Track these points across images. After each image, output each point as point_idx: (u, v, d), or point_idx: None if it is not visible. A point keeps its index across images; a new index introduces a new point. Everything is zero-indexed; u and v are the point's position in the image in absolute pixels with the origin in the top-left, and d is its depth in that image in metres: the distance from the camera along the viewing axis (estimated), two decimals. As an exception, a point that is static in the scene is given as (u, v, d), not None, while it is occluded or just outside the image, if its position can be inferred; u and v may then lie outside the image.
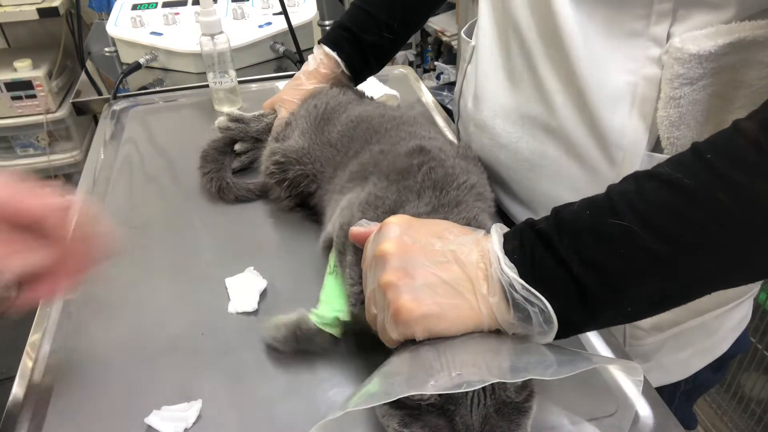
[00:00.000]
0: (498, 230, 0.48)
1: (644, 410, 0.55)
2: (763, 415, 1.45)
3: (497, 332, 0.46)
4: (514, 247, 0.45)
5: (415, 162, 0.61)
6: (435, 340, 0.46)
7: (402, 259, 0.47)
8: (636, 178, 0.44)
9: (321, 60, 0.86)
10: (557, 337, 0.45)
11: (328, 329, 0.57)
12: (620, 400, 0.56)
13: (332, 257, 0.61)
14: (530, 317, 0.44)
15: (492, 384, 0.43)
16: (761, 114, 0.42)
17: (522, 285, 0.43)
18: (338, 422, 0.41)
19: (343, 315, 0.57)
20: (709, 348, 0.75)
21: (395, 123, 0.72)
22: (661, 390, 0.73)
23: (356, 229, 0.55)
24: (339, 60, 0.85)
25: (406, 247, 0.47)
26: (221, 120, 0.88)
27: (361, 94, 0.87)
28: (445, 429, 0.43)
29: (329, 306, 0.58)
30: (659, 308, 0.46)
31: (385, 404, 0.45)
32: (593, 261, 0.42)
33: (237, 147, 0.89)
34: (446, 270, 0.46)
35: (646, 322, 0.68)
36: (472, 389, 0.41)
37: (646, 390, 0.57)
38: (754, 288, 0.74)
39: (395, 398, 0.41)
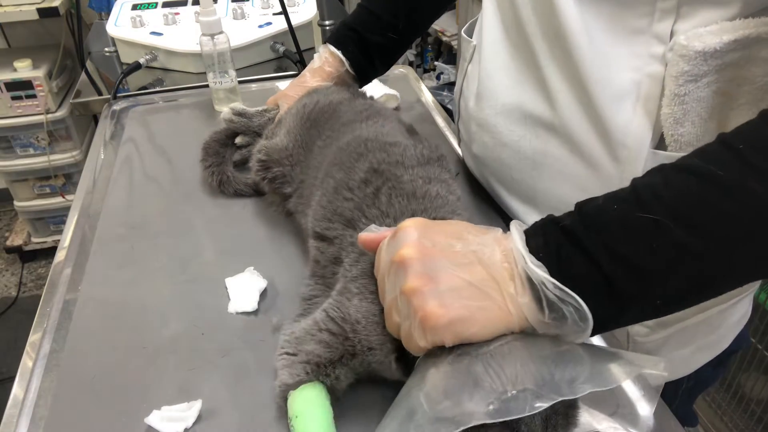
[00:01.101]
0: (518, 227, 0.46)
1: (644, 410, 0.55)
2: (763, 415, 1.45)
3: (526, 333, 0.45)
4: (538, 245, 0.44)
5: (369, 190, 0.60)
6: (470, 347, 0.44)
7: (424, 264, 0.45)
8: (662, 170, 0.44)
9: (326, 58, 0.87)
10: None
11: None
12: (620, 400, 0.56)
13: (293, 403, 0.51)
14: (564, 317, 0.42)
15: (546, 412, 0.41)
16: None
17: (554, 284, 0.42)
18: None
19: None
20: (712, 344, 0.76)
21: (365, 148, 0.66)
22: (663, 387, 0.73)
23: (367, 235, 0.52)
24: (343, 59, 0.85)
25: (426, 251, 0.46)
26: (226, 112, 0.89)
27: (358, 93, 0.85)
28: None
29: None
30: (688, 302, 0.45)
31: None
32: (623, 256, 0.42)
33: (238, 140, 0.90)
34: (470, 272, 0.45)
35: (650, 320, 0.68)
36: (536, 411, 0.40)
37: (646, 389, 0.57)
38: (755, 285, 0.74)
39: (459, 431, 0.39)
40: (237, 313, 0.65)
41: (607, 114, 0.59)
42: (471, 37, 0.80)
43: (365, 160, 0.63)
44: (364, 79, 0.89)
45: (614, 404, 0.55)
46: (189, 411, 0.54)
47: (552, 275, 0.43)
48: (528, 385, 0.40)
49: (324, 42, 0.89)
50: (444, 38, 2.56)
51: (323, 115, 0.76)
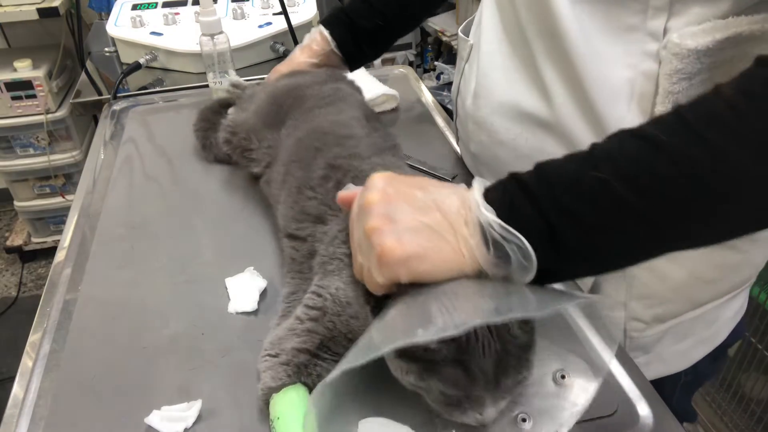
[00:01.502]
0: (480, 181, 0.49)
1: (644, 410, 0.55)
2: (763, 415, 1.45)
3: (479, 277, 0.47)
4: (495, 197, 0.47)
5: (330, 185, 0.63)
6: (425, 287, 0.46)
7: (386, 207, 0.48)
8: (618, 134, 0.46)
9: (314, 38, 0.90)
10: (532, 283, 0.46)
11: None
12: (620, 400, 0.56)
13: (275, 405, 0.52)
14: (509, 256, 0.45)
15: (497, 326, 0.44)
16: (742, 80, 0.43)
17: (499, 224, 0.45)
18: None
19: None
20: (708, 338, 0.76)
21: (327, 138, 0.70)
22: (662, 382, 0.74)
23: (343, 193, 0.56)
24: (330, 39, 0.88)
25: (389, 197, 0.49)
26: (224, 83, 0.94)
27: (333, 77, 0.86)
28: (462, 378, 0.45)
29: None
30: (629, 260, 0.48)
31: (400, 359, 0.47)
32: (568, 209, 0.44)
33: (230, 111, 0.92)
34: (428, 216, 0.47)
35: (647, 314, 0.69)
36: (471, 329, 0.43)
37: (646, 389, 0.57)
38: (752, 279, 0.75)
39: (396, 347, 0.42)
40: (237, 313, 0.65)
41: (602, 112, 0.60)
42: (468, 37, 0.80)
43: (322, 156, 0.66)
44: (352, 61, 0.92)
45: (614, 404, 0.55)
46: (189, 411, 0.54)
47: (502, 219, 0.45)
48: (471, 313, 0.43)
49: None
50: (444, 38, 2.56)
51: (289, 98, 0.79)
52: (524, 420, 0.51)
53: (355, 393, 0.51)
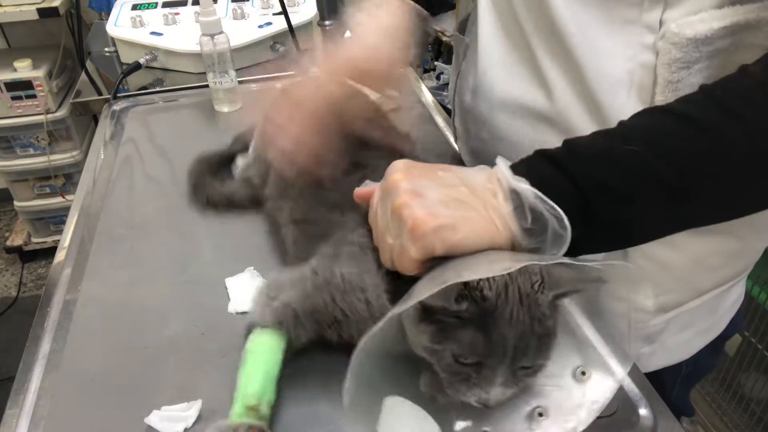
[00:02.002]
0: (503, 159, 0.50)
1: (644, 410, 0.55)
2: (763, 415, 1.45)
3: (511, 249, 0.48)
4: (522, 170, 0.47)
5: (353, 178, 0.61)
6: (452, 262, 0.46)
7: (411, 183, 0.48)
8: (647, 111, 0.47)
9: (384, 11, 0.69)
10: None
11: (249, 421, 0.51)
12: (620, 400, 0.56)
13: (251, 340, 0.55)
14: (545, 224, 0.45)
15: (528, 301, 0.44)
16: (767, 60, 0.45)
17: (535, 193, 0.45)
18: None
19: (254, 399, 0.52)
20: (709, 327, 0.77)
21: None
22: (662, 376, 0.74)
23: (361, 190, 0.56)
24: None
25: (413, 176, 0.49)
26: None
27: None
28: (480, 343, 0.44)
29: (241, 396, 0.52)
30: (659, 232, 0.49)
31: (421, 322, 0.46)
32: (601, 181, 0.45)
33: (239, 161, 0.89)
34: (455, 190, 0.48)
35: (650, 304, 0.69)
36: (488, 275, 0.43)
37: (646, 389, 0.57)
38: (749, 268, 0.76)
39: (411, 303, 0.42)
40: (237, 313, 0.65)
41: (602, 104, 0.60)
42: (463, 35, 0.81)
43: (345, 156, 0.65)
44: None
45: (614, 404, 0.55)
46: (189, 411, 0.54)
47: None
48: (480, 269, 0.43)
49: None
50: (444, 38, 2.56)
51: None
52: (541, 415, 0.50)
53: (384, 372, 0.51)
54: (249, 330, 0.56)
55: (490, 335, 0.44)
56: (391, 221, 0.49)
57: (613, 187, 0.45)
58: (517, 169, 0.48)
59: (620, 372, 0.51)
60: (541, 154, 0.48)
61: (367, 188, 0.55)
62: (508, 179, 0.47)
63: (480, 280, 0.44)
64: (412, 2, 0.68)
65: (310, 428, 0.53)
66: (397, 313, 0.43)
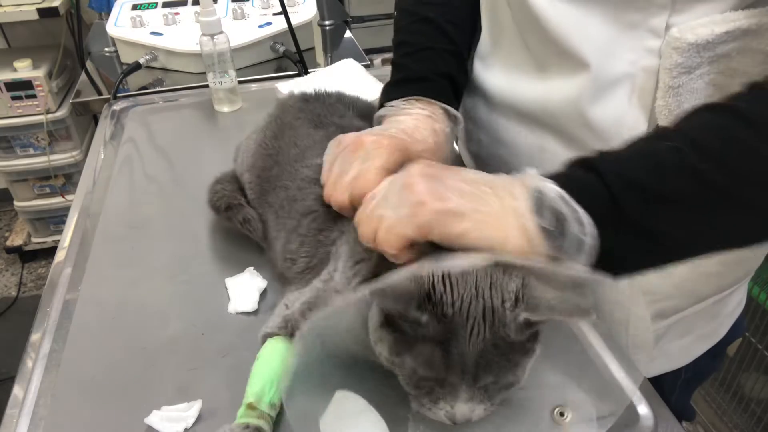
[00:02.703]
0: (531, 168, 0.47)
1: (644, 410, 0.55)
2: (763, 415, 1.45)
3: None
4: (551, 174, 0.44)
5: None
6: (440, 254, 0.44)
7: (429, 167, 0.46)
8: (692, 110, 0.44)
9: (422, 125, 0.62)
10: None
11: (247, 420, 0.51)
12: (620, 401, 0.56)
13: (264, 346, 0.57)
14: (565, 226, 0.41)
15: (492, 319, 0.41)
16: None
17: (557, 191, 0.41)
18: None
19: (253, 396, 0.52)
20: (709, 333, 0.77)
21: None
22: (662, 380, 0.74)
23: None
24: (448, 108, 0.65)
25: (432, 167, 0.47)
26: None
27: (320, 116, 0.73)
28: (439, 360, 0.42)
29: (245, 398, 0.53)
30: (692, 242, 0.43)
31: (382, 328, 0.44)
32: (633, 178, 0.41)
33: None
34: (475, 186, 0.45)
35: (651, 310, 0.69)
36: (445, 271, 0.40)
37: (646, 389, 0.57)
38: (750, 274, 0.76)
39: (377, 286, 0.40)
40: (237, 313, 0.65)
41: (602, 108, 0.60)
42: None
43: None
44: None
45: (614, 405, 0.55)
46: (189, 411, 0.54)
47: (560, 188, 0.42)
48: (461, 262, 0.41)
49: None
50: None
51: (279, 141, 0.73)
52: None
53: (341, 368, 0.50)
54: (263, 341, 0.57)
55: (449, 352, 0.41)
56: (397, 193, 0.46)
57: (647, 186, 0.40)
58: (548, 173, 0.45)
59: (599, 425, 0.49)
60: (575, 160, 0.45)
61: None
62: (532, 177, 0.44)
63: (443, 292, 0.41)
64: (450, 109, 0.64)
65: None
66: (356, 299, 0.41)
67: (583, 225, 0.41)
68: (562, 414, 0.50)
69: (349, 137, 0.57)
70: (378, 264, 0.49)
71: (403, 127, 0.59)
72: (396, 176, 0.49)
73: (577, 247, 0.41)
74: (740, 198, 0.40)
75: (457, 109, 0.66)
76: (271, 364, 0.54)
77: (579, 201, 0.41)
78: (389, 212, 0.46)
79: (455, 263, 0.41)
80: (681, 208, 0.41)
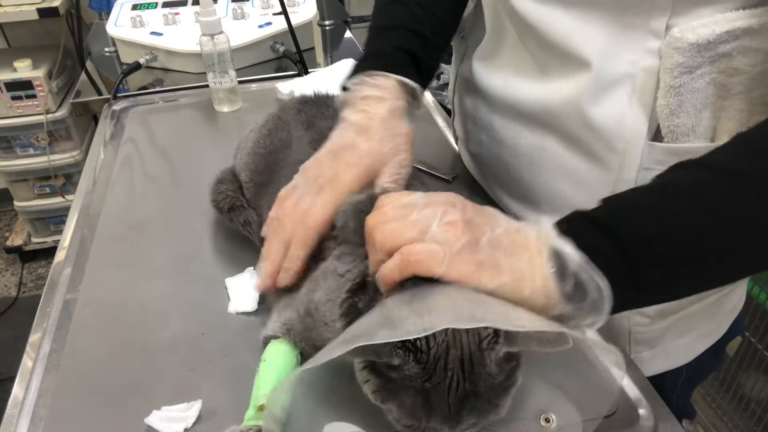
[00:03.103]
0: (547, 217, 0.48)
1: (644, 410, 0.55)
2: (763, 415, 1.45)
3: (540, 313, 0.45)
4: (563, 230, 0.45)
5: None
6: (422, 289, 0.44)
7: (471, 213, 0.46)
8: (685, 166, 0.46)
9: (378, 96, 0.64)
10: None
11: (257, 423, 0.52)
12: (620, 400, 0.56)
13: (267, 349, 0.57)
14: (585, 292, 0.43)
15: (471, 366, 0.41)
16: None
17: (579, 258, 0.43)
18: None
19: (264, 398, 0.52)
20: (710, 332, 0.77)
21: None
22: (663, 380, 0.74)
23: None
24: (408, 82, 0.66)
25: (470, 211, 0.47)
26: None
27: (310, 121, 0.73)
28: (420, 409, 0.42)
29: (253, 399, 0.54)
30: (700, 290, 0.49)
31: (365, 370, 0.44)
32: (646, 242, 0.43)
33: None
34: (510, 236, 0.46)
35: (651, 310, 0.69)
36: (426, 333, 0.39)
37: (646, 389, 0.57)
38: None
39: (349, 348, 0.39)
40: (237, 313, 0.65)
41: (603, 108, 0.60)
42: (463, 37, 0.80)
43: None
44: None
45: (614, 404, 0.55)
46: (189, 411, 0.54)
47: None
48: (427, 317, 0.40)
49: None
50: (444, 38, 2.56)
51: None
52: None
53: (329, 393, 0.50)
54: (264, 344, 0.57)
55: (430, 401, 0.42)
56: (437, 230, 0.45)
57: (660, 250, 0.43)
58: (561, 226, 0.46)
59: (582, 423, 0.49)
60: (581, 213, 0.46)
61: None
62: (552, 240, 0.45)
63: (418, 341, 0.41)
64: (407, 81, 0.64)
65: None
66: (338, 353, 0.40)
67: (601, 292, 0.43)
68: (548, 420, 0.51)
69: (312, 169, 0.60)
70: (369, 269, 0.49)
71: (353, 137, 0.60)
72: (429, 205, 0.47)
73: (593, 308, 0.44)
74: (745, 252, 0.44)
75: (420, 84, 0.66)
76: (277, 366, 0.54)
77: (598, 267, 0.43)
78: (425, 239, 0.45)
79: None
80: (692, 267, 0.44)
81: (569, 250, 0.44)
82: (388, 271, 0.46)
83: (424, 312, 0.40)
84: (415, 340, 0.41)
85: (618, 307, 0.44)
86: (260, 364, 0.55)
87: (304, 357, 0.56)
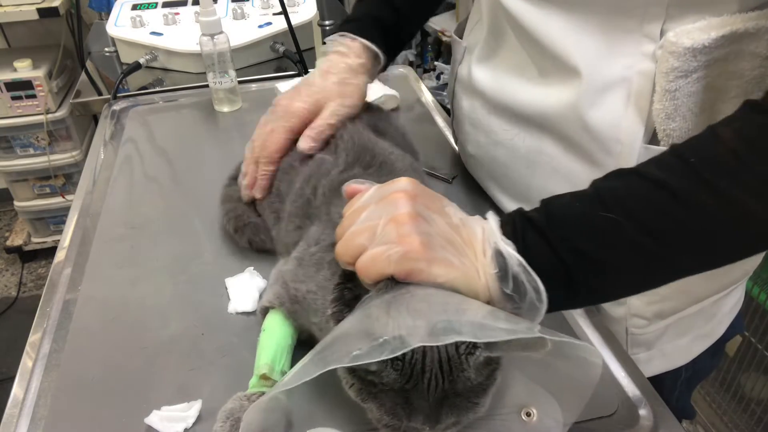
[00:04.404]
0: (494, 215, 0.50)
1: (644, 410, 0.55)
2: (763, 415, 1.45)
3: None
4: (507, 232, 0.48)
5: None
6: (402, 289, 0.44)
7: (419, 205, 0.47)
8: (622, 175, 0.48)
9: (343, 51, 0.74)
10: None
11: (261, 389, 0.54)
12: (620, 400, 0.56)
13: (266, 319, 0.59)
14: (525, 293, 0.45)
15: (449, 368, 0.42)
16: (736, 122, 0.45)
17: (519, 261, 0.45)
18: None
19: (266, 367, 0.54)
20: (708, 332, 0.77)
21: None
22: (662, 378, 0.74)
23: (354, 186, 0.53)
24: (370, 45, 0.74)
25: (421, 200, 0.48)
26: None
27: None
28: (401, 409, 0.43)
29: (256, 368, 0.56)
30: (633, 292, 0.51)
31: (346, 373, 0.45)
32: (581, 248, 0.45)
33: None
34: (456, 233, 0.48)
35: (648, 311, 0.69)
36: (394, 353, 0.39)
37: (646, 389, 0.57)
38: (748, 274, 0.76)
39: (316, 374, 0.39)
40: (237, 313, 0.65)
41: (599, 112, 0.60)
42: (462, 39, 0.80)
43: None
44: (390, 58, 0.80)
45: (614, 404, 0.55)
46: (189, 411, 0.54)
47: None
48: (403, 332, 0.40)
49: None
50: (444, 38, 2.56)
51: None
52: None
53: (311, 395, 0.50)
54: (263, 313, 0.60)
55: (410, 401, 0.43)
56: (383, 229, 0.46)
57: (592, 256, 0.45)
58: (505, 227, 0.48)
59: (564, 418, 0.49)
60: (523, 215, 0.48)
61: (359, 186, 0.53)
62: (497, 240, 0.47)
63: None
64: (369, 45, 0.73)
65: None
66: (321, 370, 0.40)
67: (539, 293, 0.45)
68: (528, 414, 0.51)
69: (278, 101, 0.72)
70: None
71: (315, 77, 0.72)
72: (381, 200, 0.48)
73: (531, 308, 0.46)
74: (672, 262, 0.46)
75: (384, 50, 0.74)
76: (277, 335, 0.57)
77: (535, 268, 0.45)
78: (373, 245, 0.46)
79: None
80: (622, 271, 0.46)
81: (511, 251, 0.46)
82: (361, 278, 0.47)
83: (400, 319, 0.41)
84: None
85: (554, 307, 0.46)
86: (261, 334, 0.58)
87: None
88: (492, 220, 0.49)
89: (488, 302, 0.46)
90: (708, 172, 0.44)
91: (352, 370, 0.44)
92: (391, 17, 0.76)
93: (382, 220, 0.47)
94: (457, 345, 0.42)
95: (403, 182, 0.49)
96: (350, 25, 0.75)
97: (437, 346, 0.42)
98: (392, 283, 0.45)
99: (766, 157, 0.43)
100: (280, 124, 0.70)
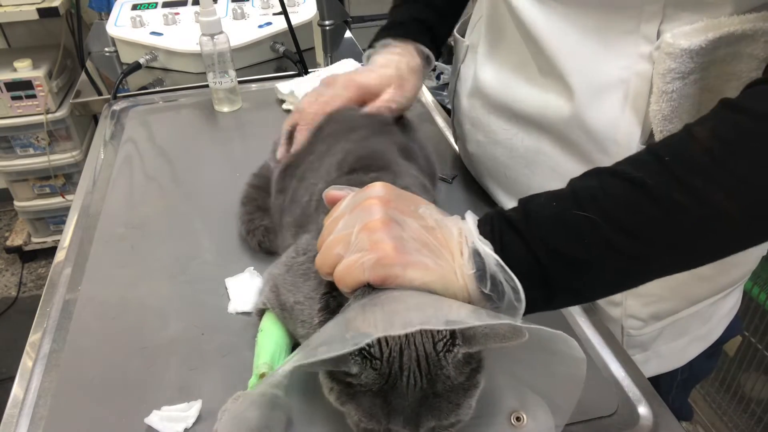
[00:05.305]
0: (472, 215, 0.50)
1: (644, 410, 0.55)
2: (763, 415, 1.45)
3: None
4: (485, 231, 0.47)
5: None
6: (382, 295, 0.44)
7: (392, 210, 0.47)
8: (598, 174, 0.47)
9: (397, 52, 0.76)
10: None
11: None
12: (620, 400, 0.56)
13: (263, 319, 0.59)
14: (503, 293, 0.45)
15: (428, 366, 0.42)
16: (711, 121, 0.45)
17: (496, 260, 0.45)
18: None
19: (265, 367, 0.54)
20: (704, 335, 0.77)
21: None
22: (658, 380, 0.74)
23: (335, 192, 0.53)
24: (423, 48, 0.78)
25: (393, 203, 0.48)
26: None
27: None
28: (380, 411, 0.42)
29: (255, 368, 0.56)
30: (610, 292, 0.51)
31: (325, 376, 0.45)
32: (557, 248, 0.45)
33: None
34: (431, 235, 0.47)
35: (644, 312, 0.69)
36: (362, 343, 0.40)
37: (646, 389, 0.57)
38: (746, 277, 0.75)
39: (289, 370, 0.40)
40: (237, 313, 0.65)
41: (597, 112, 0.60)
42: (464, 37, 0.81)
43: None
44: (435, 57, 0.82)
45: (614, 404, 0.55)
46: (189, 411, 0.54)
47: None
48: (371, 329, 0.40)
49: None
50: (444, 38, 2.56)
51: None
52: None
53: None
54: (259, 315, 0.60)
55: (389, 402, 0.42)
56: (357, 237, 0.46)
57: (569, 256, 0.45)
58: (483, 227, 0.48)
59: (554, 420, 0.48)
60: (501, 215, 0.48)
61: (339, 192, 0.53)
62: (474, 240, 0.46)
63: (372, 348, 0.42)
64: (422, 48, 0.77)
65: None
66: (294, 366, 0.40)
67: (518, 293, 0.45)
68: (518, 419, 0.50)
69: (328, 78, 0.75)
70: None
71: (374, 66, 0.75)
72: (355, 208, 0.48)
73: (509, 307, 0.46)
74: (648, 260, 0.46)
75: (433, 51, 0.78)
76: (274, 334, 0.57)
77: (512, 268, 0.45)
78: (349, 253, 0.46)
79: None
80: (598, 270, 0.46)
81: (488, 251, 0.46)
82: (339, 287, 0.48)
83: (374, 318, 0.41)
84: (369, 347, 0.41)
85: (534, 308, 0.46)
86: (258, 334, 0.57)
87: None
88: (470, 219, 0.49)
89: (468, 303, 0.46)
90: (683, 171, 0.43)
91: (332, 375, 0.44)
92: (433, 18, 0.79)
93: (355, 228, 0.47)
94: (434, 341, 0.42)
95: (377, 188, 0.49)
96: (398, 29, 0.78)
97: (414, 343, 0.41)
98: (369, 289, 0.45)
99: (741, 157, 0.42)
100: (341, 92, 0.72)
